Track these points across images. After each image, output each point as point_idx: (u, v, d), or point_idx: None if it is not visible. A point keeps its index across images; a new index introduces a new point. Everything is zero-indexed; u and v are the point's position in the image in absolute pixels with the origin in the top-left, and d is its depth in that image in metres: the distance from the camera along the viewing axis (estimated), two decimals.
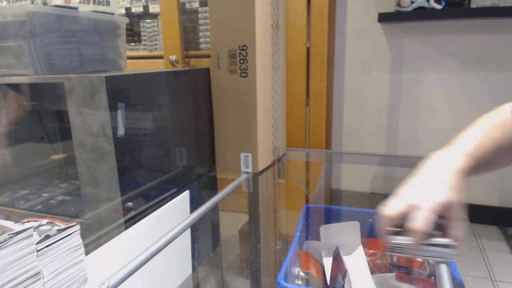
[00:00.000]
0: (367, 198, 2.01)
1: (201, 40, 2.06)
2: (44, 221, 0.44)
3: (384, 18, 1.79)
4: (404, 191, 0.53)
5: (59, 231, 0.43)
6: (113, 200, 0.85)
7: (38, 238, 0.40)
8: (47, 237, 0.41)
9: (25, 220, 0.44)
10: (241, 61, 0.83)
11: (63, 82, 0.82)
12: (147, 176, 0.96)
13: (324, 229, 0.93)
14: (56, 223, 0.44)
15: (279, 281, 0.69)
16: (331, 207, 1.02)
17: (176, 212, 0.76)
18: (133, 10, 2.20)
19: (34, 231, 0.40)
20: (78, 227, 0.45)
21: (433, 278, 0.74)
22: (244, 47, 0.81)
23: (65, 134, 0.91)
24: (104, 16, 1.02)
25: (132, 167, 0.90)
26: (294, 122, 1.80)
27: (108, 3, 1.02)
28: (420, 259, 0.81)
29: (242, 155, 0.92)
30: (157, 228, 0.67)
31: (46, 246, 0.41)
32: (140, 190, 0.92)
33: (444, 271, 0.50)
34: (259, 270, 1.05)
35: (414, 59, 1.86)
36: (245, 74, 0.84)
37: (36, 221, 0.44)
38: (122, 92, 0.85)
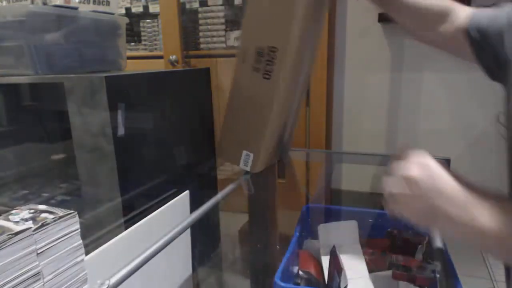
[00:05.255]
0: (367, 198, 2.01)
1: (201, 40, 2.06)
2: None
3: (384, 18, 1.79)
4: None
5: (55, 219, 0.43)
6: (113, 200, 0.85)
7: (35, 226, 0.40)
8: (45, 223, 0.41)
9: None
10: (268, 62, 0.78)
11: (63, 82, 0.82)
12: (147, 176, 0.96)
13: (322, 228, 0.93)
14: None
15: (276, 280, 0.69)
16: (331, 207, 1.02)
17: (176, 212, 0.77)
18: (133, 10, 2.20)
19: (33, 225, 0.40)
20: (75, 213, 0.45)
21: (432, 275, 0.74)
22: (274, 49, 0.77)
23: (65, 134, 0.91)
24: (104, 16, 1.02)
25: (132, 167, 0.90)
26: None
27: (108, 3, 1.02)
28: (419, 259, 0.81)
29: (244, 153, 0.91)
30: (157, 228, 0.67)
31: (46, 245, 0.42)
32: (140, 190, 0.92)
33: None
34: (259, 270, 1.05)
35: (414, 59, 1.86)
36: (268, 76, 0.79)
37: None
38: (122, 92, 0.85)
